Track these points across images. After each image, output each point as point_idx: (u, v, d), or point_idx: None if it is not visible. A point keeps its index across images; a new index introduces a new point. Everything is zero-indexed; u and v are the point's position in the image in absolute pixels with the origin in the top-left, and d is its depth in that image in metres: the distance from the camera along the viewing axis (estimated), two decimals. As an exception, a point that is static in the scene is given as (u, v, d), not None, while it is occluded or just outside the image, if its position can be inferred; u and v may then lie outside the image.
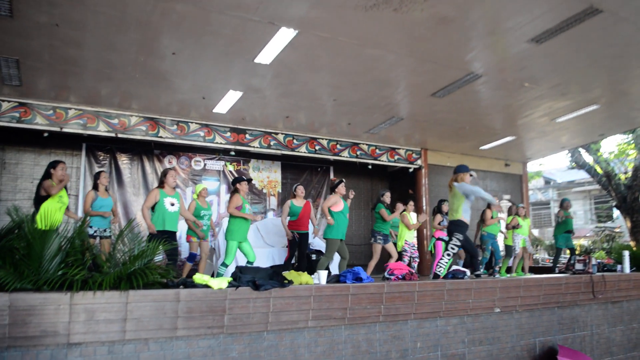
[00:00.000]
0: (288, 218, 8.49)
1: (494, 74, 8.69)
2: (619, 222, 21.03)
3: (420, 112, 10.74)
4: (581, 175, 24.28)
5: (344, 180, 8.02)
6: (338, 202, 7.75)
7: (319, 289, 5.11)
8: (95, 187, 7.59)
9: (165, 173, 6.95)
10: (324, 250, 9.80)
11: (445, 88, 9.17)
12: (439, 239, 9.38)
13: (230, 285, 4.60)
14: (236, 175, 12.28)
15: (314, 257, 9.47)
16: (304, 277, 5.25)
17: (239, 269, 4.98)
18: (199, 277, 4.59)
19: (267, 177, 12.95)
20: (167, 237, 6.27)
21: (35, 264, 4.05)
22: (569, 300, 7.42)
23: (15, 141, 10.01)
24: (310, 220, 8.78)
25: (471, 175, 8.81)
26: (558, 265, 10.91)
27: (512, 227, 10.06)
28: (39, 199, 6.55)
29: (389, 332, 5.62)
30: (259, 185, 12.77)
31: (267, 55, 7.65)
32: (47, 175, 6.73)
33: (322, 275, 5.50)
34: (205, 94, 9.45)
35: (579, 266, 8.08)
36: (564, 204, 10.78)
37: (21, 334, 3.84)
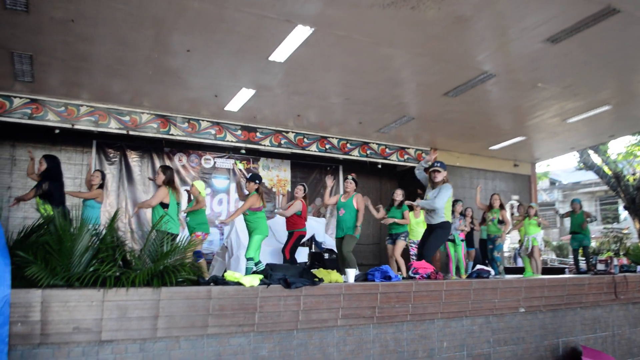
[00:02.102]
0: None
1: (506, 74, 8.67)
2: (626, 224, 21.06)
3: (431, 111, 10.71)
4: (587, 176, 24.25)
5: (349, 176, 7.93)
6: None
7: (349, 287, 5.03)
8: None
9: None
10: (336, 249, 9.77)
11: (457, 88, 9.14)
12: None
13: (262, 282, 4.52)
14: (246, 173, 12.22)
15: (326, 255, 9.43)
16: (333, 275, 5.17)
17: (270, 266, 4.92)
18: (230, 275, 4.51)
19: (277, 175, 12.90)
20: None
21: (65, 260, 3.96)
22: (591, 301, 7.36)
23: (25, 138, 9.95)
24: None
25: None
26: (567, 266, 10.81)
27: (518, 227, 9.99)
28: None
29: (416, 332, 5.54)
30: (268, 184, 12.70)
31: (281, 53, 7.61)
32: None
33: (350, 274, 5.43)
34: (217, 92, 9.39)
35: (600, 266, 8.02)
36: (572, 205, 10.71)
37: (53, 331, 3.74)
